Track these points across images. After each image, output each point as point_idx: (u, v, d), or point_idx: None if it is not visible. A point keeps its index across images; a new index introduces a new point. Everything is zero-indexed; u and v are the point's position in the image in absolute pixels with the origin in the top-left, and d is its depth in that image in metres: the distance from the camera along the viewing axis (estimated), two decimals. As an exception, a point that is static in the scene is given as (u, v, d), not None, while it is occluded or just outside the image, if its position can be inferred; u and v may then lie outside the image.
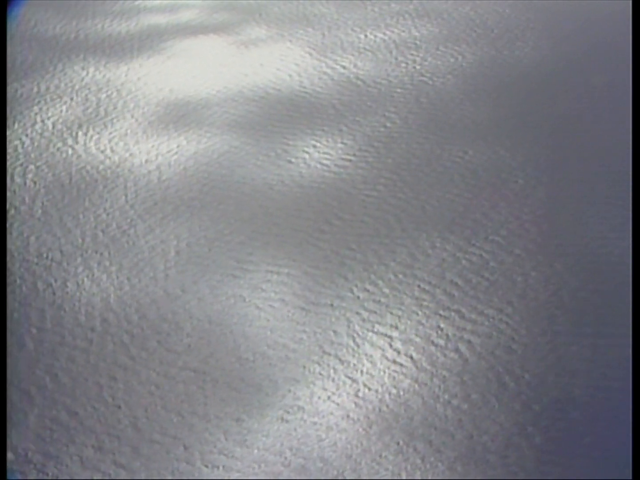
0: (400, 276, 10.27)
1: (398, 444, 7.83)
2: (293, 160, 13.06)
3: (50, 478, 7.99)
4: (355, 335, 9.30)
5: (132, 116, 15.02)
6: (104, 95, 15.94)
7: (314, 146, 13.43)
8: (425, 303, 9.77)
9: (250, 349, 9.20)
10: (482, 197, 11.93)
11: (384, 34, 17.93)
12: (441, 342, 9.16)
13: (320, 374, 8.79)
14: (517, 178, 12.35)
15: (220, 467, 7.78)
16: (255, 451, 7.89)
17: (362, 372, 8.78)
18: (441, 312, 9.63)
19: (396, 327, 9.41)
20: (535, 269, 10.38)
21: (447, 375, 8.69)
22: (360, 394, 8.51)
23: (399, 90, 15.22)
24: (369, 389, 8.55)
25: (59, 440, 8.31)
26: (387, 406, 8.33)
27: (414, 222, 11.38)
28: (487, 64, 16.14)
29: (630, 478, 7.62)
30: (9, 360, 9.55)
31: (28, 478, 8.07)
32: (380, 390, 8.55)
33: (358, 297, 9.92)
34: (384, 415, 8.24)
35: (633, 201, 11.76)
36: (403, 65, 16.33)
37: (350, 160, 12.97)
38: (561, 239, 10.99)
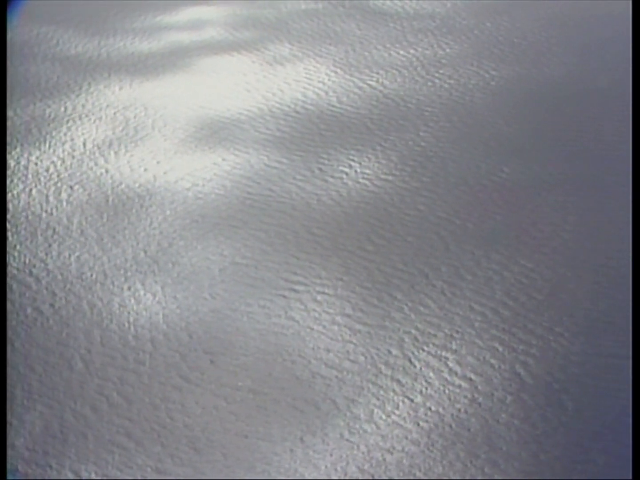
0: (450, 295, 10.28)
1: (466, 465, 7.83)
2: (330, 179, 13.09)
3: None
4: (410, 355, 9.31)
5: (163, 134, 15.05)
6: (132, 114, 15.98)
7: (350, 165, 13.46)
8: (477, 323, 9.78)
9: (308, 368, 9.20)
10: (522, 214, 11.96)
11: (408, 52, 17.99)
12: (497, 362, 9.17)
13: (379, 394, 8.79)
14: (556, 195, 12.38)
15: (288, 489, 7.79)
16: (323, 470, 7.88)
17: (420, 392, 8.79)
18: (494, 332, 9.64)
19: (450, 348, 9.41)
20: (582, 287, 10.41)
21: (506, 396, 8.70)
22: (420, 415, 8.51)
23: (429, 108, 15.27)
24: (430, 410, 8.55)
25: (120, 461, 8.29)
26: (450, 426, 8.33)
27: (457, 241, 11.40)
28: (515, 81, 16.20)
29: (630, 478, 7.66)
30: (59, 382, 9.54)
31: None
32: (440, 411, 8.55)
33: (409, 317, 9.93)
34: (446, 436, 8.24)
35: (633, 202, 11.81)
36: (430, 83, 16.39)
37: (387, 180, 13.00)
38: (604, 254, 11.02)
